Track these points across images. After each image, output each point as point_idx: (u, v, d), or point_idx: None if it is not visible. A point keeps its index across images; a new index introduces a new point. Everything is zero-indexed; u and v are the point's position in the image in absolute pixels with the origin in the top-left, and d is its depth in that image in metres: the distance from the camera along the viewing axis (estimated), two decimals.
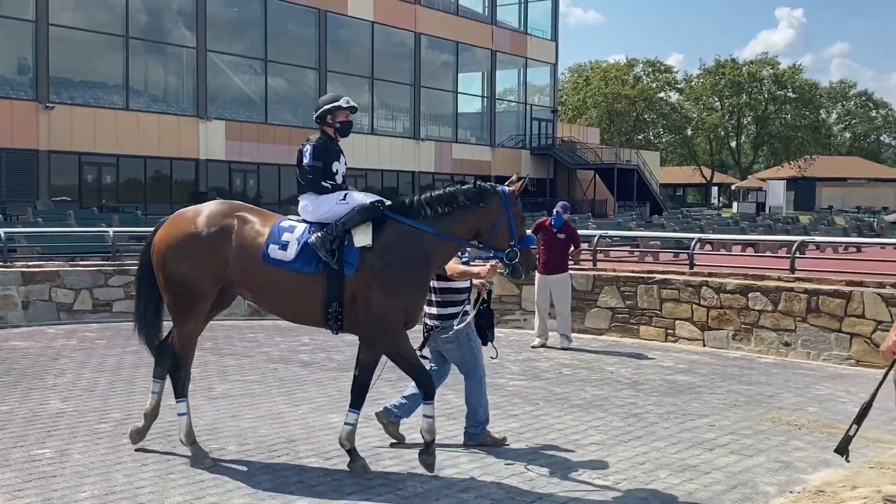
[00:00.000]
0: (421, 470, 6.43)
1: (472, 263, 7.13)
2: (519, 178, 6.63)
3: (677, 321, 12.82)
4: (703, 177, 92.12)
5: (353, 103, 6.77)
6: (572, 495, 5.97)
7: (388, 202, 6.52)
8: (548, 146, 58.10)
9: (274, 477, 6.25)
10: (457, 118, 53.07)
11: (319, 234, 6.24)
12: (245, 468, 6.44)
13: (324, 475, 6.31)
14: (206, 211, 6.57)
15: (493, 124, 54.60)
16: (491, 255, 6.64)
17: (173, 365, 6.72)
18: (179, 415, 6.70)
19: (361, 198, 6.44)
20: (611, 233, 21.06)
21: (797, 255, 13.42)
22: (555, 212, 12.24)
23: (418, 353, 6.69)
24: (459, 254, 6.96)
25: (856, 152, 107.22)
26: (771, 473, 6.54)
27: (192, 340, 6.79)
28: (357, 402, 6.58)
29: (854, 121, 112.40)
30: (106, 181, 36.75)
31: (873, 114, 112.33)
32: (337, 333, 6.54)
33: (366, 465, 6.45)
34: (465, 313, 7.03)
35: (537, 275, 12.06)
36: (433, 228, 6.27)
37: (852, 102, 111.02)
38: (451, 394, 8.40)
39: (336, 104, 6.71)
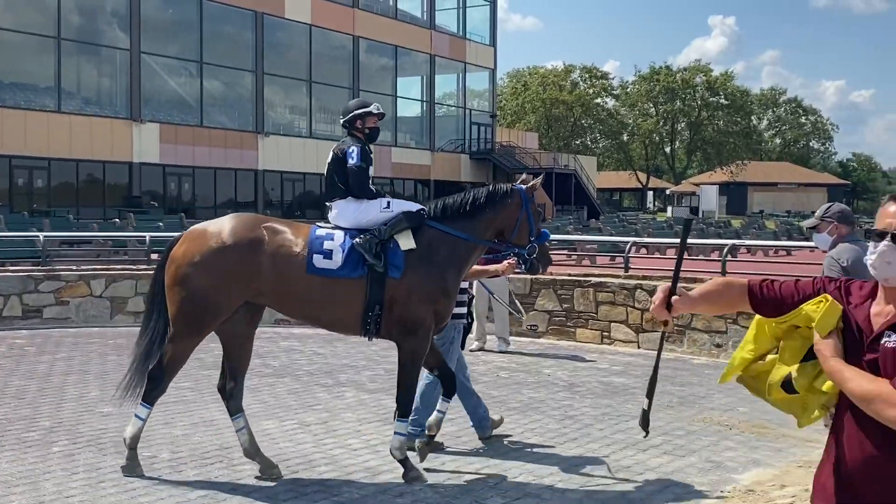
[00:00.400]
0: (357, 476, 6.40)
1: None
2: (533, 178, 6.87)
3: (613, 324, 12.95)
4: (639, 181, 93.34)
5: (381, 110, 6.87)
6: (508, 498, 5.98)
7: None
8: (487, 151, 58.36)
9: (207, 485, 6.16)
10: (396, 122, 52.99)
11: (365, 238, 6.28)
12: (178, 476, 6.34)
13: (258, 482, 6.24)
14: (230, 224, 6.36)
15: (432, 128, 54.67)
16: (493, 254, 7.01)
17: (156, 372, 6.41)
18: (137, 416, 6.41)
19: (405, 205, 6.57)
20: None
21: (728, 258, 13.65)
22: None
23: None
24: None
25: (786, 158, 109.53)
26: (702, 473, 6.64)
27: (187, 355, 6.55)
28: (403, 410, 6.50)
29: (784, 127, 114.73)
30: (37, 185, 36.00)
31: (803, 120, 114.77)
32: (371, 339, 6.58)
33: (421, 476, 6.31)
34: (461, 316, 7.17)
35: None
36: (466, 233, 6.41)
37: (782, 109, 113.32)
38: (387, 399, 8.35)
39: (367, 109, 6.73)
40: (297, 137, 46.37)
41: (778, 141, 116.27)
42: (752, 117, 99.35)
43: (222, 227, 6.34)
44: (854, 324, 2.69)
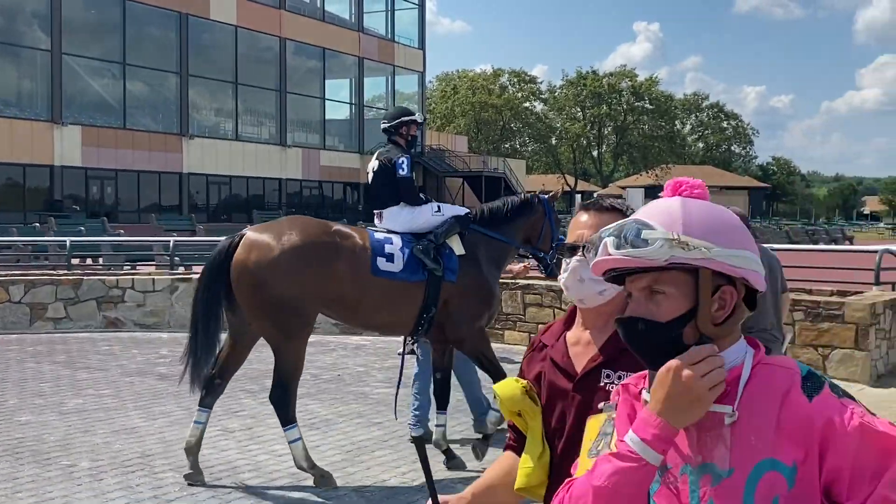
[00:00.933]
0: (281, 482, 6.34)
1: None
2: (553, 190, 7.60)
3: (540, 325, 13.04)
4: (567, 185, 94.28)
5: (422, 119, 7.54)
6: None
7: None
8: (417, 154, 58.38)
9: (128, 493, 6.05)
10: (324, 125, 52.76)
11: (423, 244, 6.55)
12: (98, 485, 6.21)
13: (180, 490, 6.15)
14: (299, 227, 6.29)
15: (361, 131, 54.52)
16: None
17: (279, 392, 6.25)
18: (292, 442, 6.27)
19: (454, 209, 6.95)
20: None
21: None
22: None
23: (410, 345, 7.45)
24: None
25: (708, 161, 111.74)
26: None
27: (302, 362, 6.47)
28: (443, 402, 6.88)
29: (707, 131, 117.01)
30: None
31: (724, 125, 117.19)
32: (417, 341, 7.18)
33: (462, 463, 6.74)
34: None
35: None
36: (507, 237, 6.87)
37: (705, 114, 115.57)
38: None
39: (413, 118, 7.00)
40: (223, 140, 45.85)
41: (701, 145, 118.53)
42: (676, 122, 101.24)
43: (291, 231, 6.24)
44: (554, 366, 2.26)
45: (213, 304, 6.26)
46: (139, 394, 9.40)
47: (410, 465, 6.82)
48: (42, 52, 37.87)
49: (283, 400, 6.25)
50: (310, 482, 6.34)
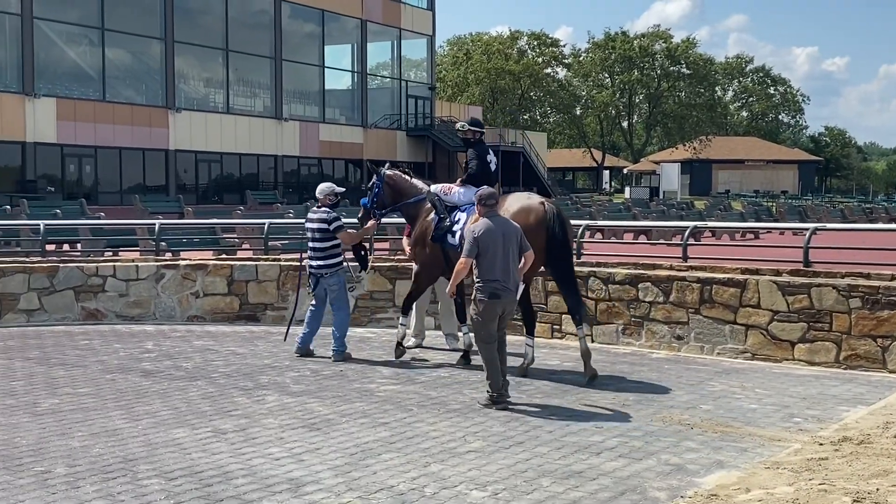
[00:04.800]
0: (279, 488, 6.35)
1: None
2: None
3: (564, 315, 13.01)
4: (594, 160, 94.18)
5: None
6: None
7: None
8: (426, 127, 58.35)
9: (109, 501, 6.06)
10: (324, 96, 52.75)
11: None
12: (75, 493, 6.22)
13: (166, 497, 6.16)
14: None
15: (364, 103, 54.49)
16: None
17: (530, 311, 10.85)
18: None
19: None
20: None
21: (690, 242, 13.80)
22: None
23: (309, 293, 11.68)
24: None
25: (753, 132, 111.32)
26: (661, 477, 6.70)
27: None
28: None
29: (751, 99, 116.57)
30: None
31: (771, 91, 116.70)
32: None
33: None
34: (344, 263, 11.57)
35: None
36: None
37: (749, 79, 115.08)
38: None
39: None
40: (213, 113, 45.90)
41: (745, 114, 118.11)
42: (717, 88, 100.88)
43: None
44: None
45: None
46: (121, 392, 9.42)
47: (421, 470, 6.81)
48: (11, 17, 37.92)
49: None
50: (310, 488, 6.33)
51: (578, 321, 10.41)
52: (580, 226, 15.69)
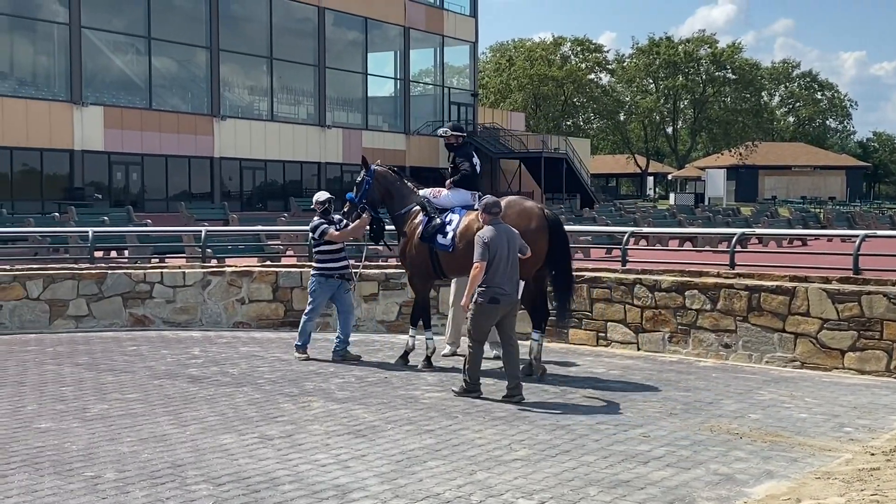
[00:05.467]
0: (325, 495, 6.37)
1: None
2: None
3: (609, 323, 12.96)
4: (638, 166, 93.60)
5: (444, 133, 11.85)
6: None
7: None
8: (468, 133, 58.28)
9: None
10: (367, 103, 52.94)
11: None
12: (124, 498, 6.29)
13: (215, 503, 6.20)
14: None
15: (407, 109, 54.63)
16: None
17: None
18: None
19: None
20: None
21: (737, 249, 13.68)
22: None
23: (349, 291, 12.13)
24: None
25: (800, 138, 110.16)
26: (710, 487, 6.64)
27: None
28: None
29: (798, 104, 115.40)
30: None
31: (818, 96, 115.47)
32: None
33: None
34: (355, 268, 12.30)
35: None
36: None
37: (796, 84, 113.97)
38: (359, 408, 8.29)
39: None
40: (257, 121, 46.24)
41: (791, 119, 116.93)
42: (763, 93, 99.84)
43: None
44: None
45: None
46: (169, 398, 9.50)
47: (467, 478, 6.81)
48: (60, 26, 38.49)
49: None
50: (357, 495, 6.35)
51: (564, 326, 11.48)
52: (625, 232, 15.63)
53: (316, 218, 12.03)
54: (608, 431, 8.21)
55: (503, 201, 10.42)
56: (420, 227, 11.23)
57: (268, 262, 16.72)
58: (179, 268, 15.11)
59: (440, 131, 12.07)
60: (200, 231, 16.97)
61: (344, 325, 11.85)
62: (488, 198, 9.96)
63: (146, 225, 23.93)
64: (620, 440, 7.91)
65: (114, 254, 19.33)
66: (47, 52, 39.79)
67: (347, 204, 11.89)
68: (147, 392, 9.79)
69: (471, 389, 9.60)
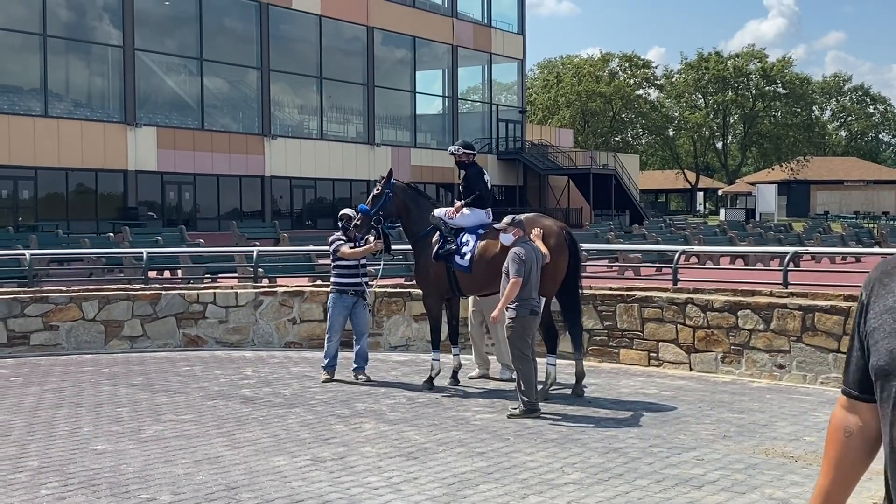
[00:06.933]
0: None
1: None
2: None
3: (661, 343, 12.85)
4: (687, 181, 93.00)
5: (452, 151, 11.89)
6: None
7: None
8: (516, 150, 58.39)
9: None
10: (415, 121, 53.18)
11: None
12: None
13: None
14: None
15: (455, 127, 54.76)
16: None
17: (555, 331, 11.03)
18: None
19: None
20: (587, 245, 21.12)
21: (790, 267, 13.54)
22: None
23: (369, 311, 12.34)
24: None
25: (852, 152, 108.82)
26: None
27: None
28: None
29: (850, 118, 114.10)
30: (23, 196, 36.40)
31: (871, 110, 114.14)
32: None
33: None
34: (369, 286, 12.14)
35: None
36: None
37: (848, 98, 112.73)
38: (411, 430, 8.31)
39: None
40: (308, 140, 46.62)
41: (843, 133, 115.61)
42: (814, 108, 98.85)
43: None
44: None
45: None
46: (222, 419, 9.57)
47: (519, 501, 6.78)
48: (114, 49, 39.15)
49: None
50: None
51: (579, 345, 10.93)
52: (676, 251, 15.52)
53: (337, 233, 12.12)
54: (661, 454, 8.14)
55: (522, 218, 10.51)
56: (435, 248, 11.23)
57: (318, 282, 16.81)
58: (232, 288, 15.24)
59: (451, 149, 11.97)
60: (252, 251, 17.12)
61: (356, 344, 11.92)
62: (518, 218, 10.14)
63: (199, 244, 24.18)
64: (674, 463, 7.84)
65: (167, 274, 19.55)
66: (101, 74, 40.45)
67: (360, 216, 11.66)
68: (201, 413, 9.87)
69: (530, 409, 9.62)
